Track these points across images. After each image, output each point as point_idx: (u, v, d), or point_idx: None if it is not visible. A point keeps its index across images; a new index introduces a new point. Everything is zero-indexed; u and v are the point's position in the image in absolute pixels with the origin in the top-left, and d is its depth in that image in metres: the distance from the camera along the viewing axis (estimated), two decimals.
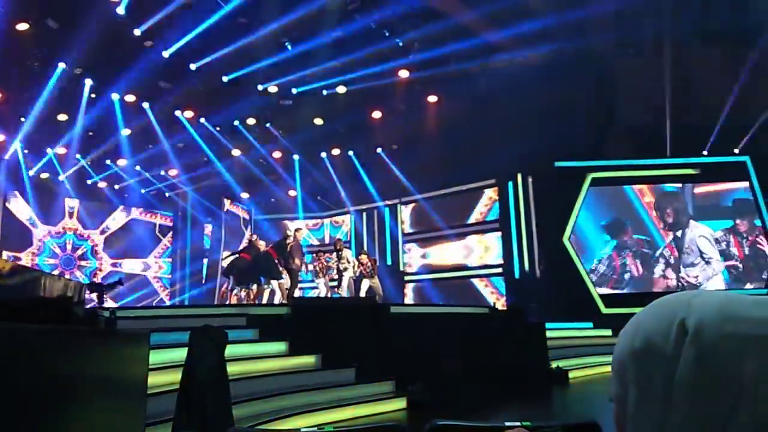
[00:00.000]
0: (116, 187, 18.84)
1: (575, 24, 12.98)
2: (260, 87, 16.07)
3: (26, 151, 16.46)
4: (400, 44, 14.85)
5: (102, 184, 18.46)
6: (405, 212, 18.88)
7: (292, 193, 20.60)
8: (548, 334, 11.71)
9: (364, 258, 13.18)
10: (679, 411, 0.63)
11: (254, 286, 12.68)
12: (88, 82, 14.75)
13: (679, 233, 15.37)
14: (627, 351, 0.70)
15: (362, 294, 12.92)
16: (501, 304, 15.76)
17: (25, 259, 16.16)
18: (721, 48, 14.02)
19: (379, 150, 18.67)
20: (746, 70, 14.19)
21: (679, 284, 15.04)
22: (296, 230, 13.25)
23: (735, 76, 14.30)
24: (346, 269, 12.88)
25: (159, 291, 18.93)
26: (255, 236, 14.34)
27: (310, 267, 13.97)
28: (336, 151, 19.35)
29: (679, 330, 0.65)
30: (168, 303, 18.38)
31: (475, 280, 17.14)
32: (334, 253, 13.27)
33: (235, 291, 12.99)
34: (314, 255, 14.73)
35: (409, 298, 18.09)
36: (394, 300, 16.35)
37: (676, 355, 0.64)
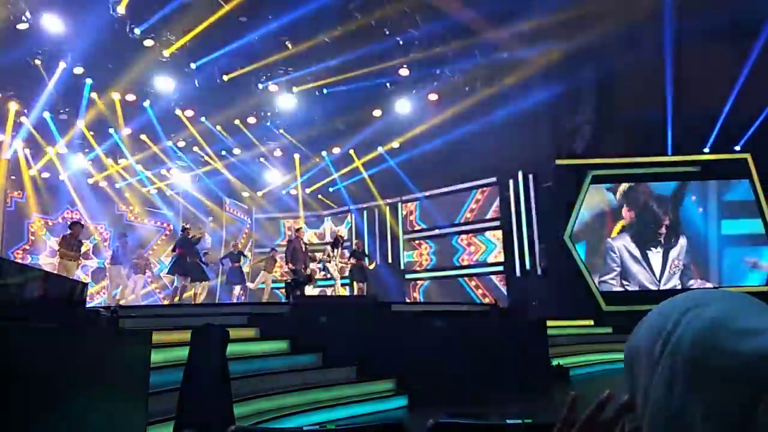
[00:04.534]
0: (117, 186, 18.83)
1: (576, 22, 12.97)
2: (260, 85, 16.07)
3: (27, 151, 16.47)
4: (401, 42, 14.84)
5: (102, 183, 18.46)
6: (406, 211, 18.87)
7: (293, 191, 20.60)
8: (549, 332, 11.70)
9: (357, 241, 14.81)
10: (649, 417, 0.63)
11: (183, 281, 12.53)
12: (89, 81, 14.75)
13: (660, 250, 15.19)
14: (627, 349, 0.70)
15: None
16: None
17: (22, 256, 16.18)
18: (722, 44, 14.01)
19: (379, 148, 18.65)
20: (747, 66, 14.17)
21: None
22: (297, 230, 13.45)
23: (736, 73, 14.27)
24: (328, 263, 13.05)
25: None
26: (188, 225, 13.99)
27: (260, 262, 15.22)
28: (336, 150, 19.35)
29: (662, 345, 0.63)
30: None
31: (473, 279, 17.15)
32: (329, 247, 13.32)
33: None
34: (271, 250, 15.63)
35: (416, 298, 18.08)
36: (395, 298, 16.35)
37: (656, 365, 0.63)
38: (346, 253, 13.98)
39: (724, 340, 0.58)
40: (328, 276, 13.68)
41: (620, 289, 14.90)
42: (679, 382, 0.59)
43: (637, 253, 15.08)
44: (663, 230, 15.12)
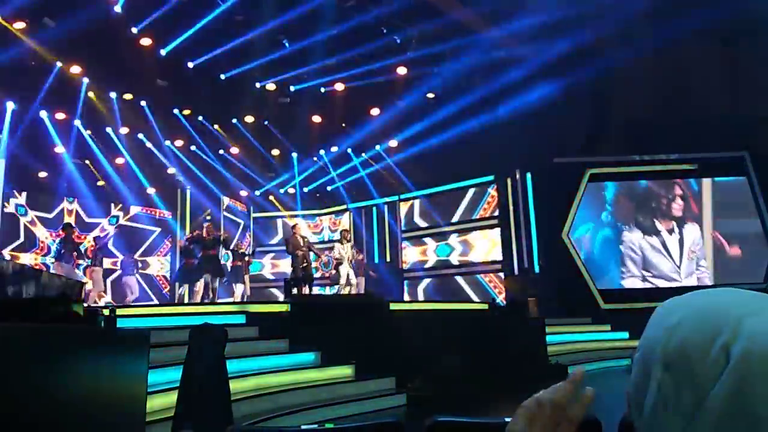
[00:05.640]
0: (116, 185, 18.77)
1: (573, 20, 12.98)
2: (258, 85, 16.06)
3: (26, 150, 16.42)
4: (398, 41, 14.84)
5: (101, 183, 18.42)
6: (404, 209, 18.86)
7: (290, 190, 20.60)
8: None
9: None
10: (709, 426, 0.58)
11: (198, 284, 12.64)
12: (86, 81, 14.71)
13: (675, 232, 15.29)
14: (659, 348, 0.65)
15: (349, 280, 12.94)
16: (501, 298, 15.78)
17: (30, 259, 16.11)
18: (720, 42, 14.02)
19: (377, 147, 18.65)
20: (744, 64, 14.18)
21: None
22: (293, 226, 13.36)
23: (733, 71, 14.29)
24: (341, 263, 12.84)
25: (162, 288, 18.89)
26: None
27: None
28: (334, 148, 19.34)
29: (721, 353, 0.59)
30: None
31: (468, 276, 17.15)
32: (338, 244, 13.16)
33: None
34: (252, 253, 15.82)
35: (415, 297, 18.06)
36: (393, 297, 16.34)
37: (712, 379, 0.59)
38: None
39: None
40: (330, 273, 13.54)
41: (641, 284, 14.99)
42: (749, 396, 0.57)
43: (655, 242, 15.16)
44: (676, 212, 15.20)
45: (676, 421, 0.61)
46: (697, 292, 0.69)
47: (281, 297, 14.85)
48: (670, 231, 15.24)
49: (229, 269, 14.99)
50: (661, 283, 14.90)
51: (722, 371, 0.59)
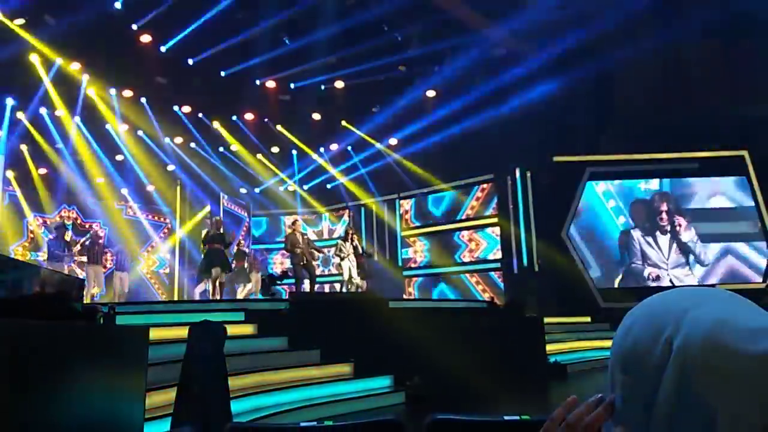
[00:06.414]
0: (114, 182, 18.78)
1: (574, 18, 12.97)
2: (258, 82, 16.04)
3: (24, 147, 16.43)
4: (399, 39, 14.84)
5: (100, 180, 18.41)
6: (404, 207, 18.86)
7: (290, 188, 20.58)
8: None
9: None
10: (658, 427, 0.61)
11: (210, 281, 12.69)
12: (86, 77, 14.71)
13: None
14: (617, 350, 0.68)
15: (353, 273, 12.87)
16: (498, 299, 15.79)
17: (22, 253, 16.14)
18: (720, 41, 14.02)
19: (377, 145, 18.64)
20: (745, 63, 14.18)
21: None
22: (293, 222, 13.24)
23: (734, 69, 14.28)
24: (346, 256, 12.79)
25: (155, 287, 18.89)
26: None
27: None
28: (334, 146, 19.33)
29: (665, 347, 0.62)
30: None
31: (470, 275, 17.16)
32: (340, 241, 13.12)
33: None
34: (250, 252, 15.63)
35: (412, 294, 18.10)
36: (393, 295, 16.33)
37: (660, 371, 0.62)
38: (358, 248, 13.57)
39: (737, 341, 0.58)
40: (339, 271, 13.47)
41: (642, 282, 15.37)
42: (691, 385, 0.58)
43: (649, 239, 15.69)
44: (664, 216, 15.64)
45: (638, 416, 0.64)
46: (655, 294, 0.71)
47: (285, 295, 14.78)
48: (664, 233, 15.67)
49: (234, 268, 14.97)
50: (663, 283, 14.96)
51: (667, 363, 0.61)
